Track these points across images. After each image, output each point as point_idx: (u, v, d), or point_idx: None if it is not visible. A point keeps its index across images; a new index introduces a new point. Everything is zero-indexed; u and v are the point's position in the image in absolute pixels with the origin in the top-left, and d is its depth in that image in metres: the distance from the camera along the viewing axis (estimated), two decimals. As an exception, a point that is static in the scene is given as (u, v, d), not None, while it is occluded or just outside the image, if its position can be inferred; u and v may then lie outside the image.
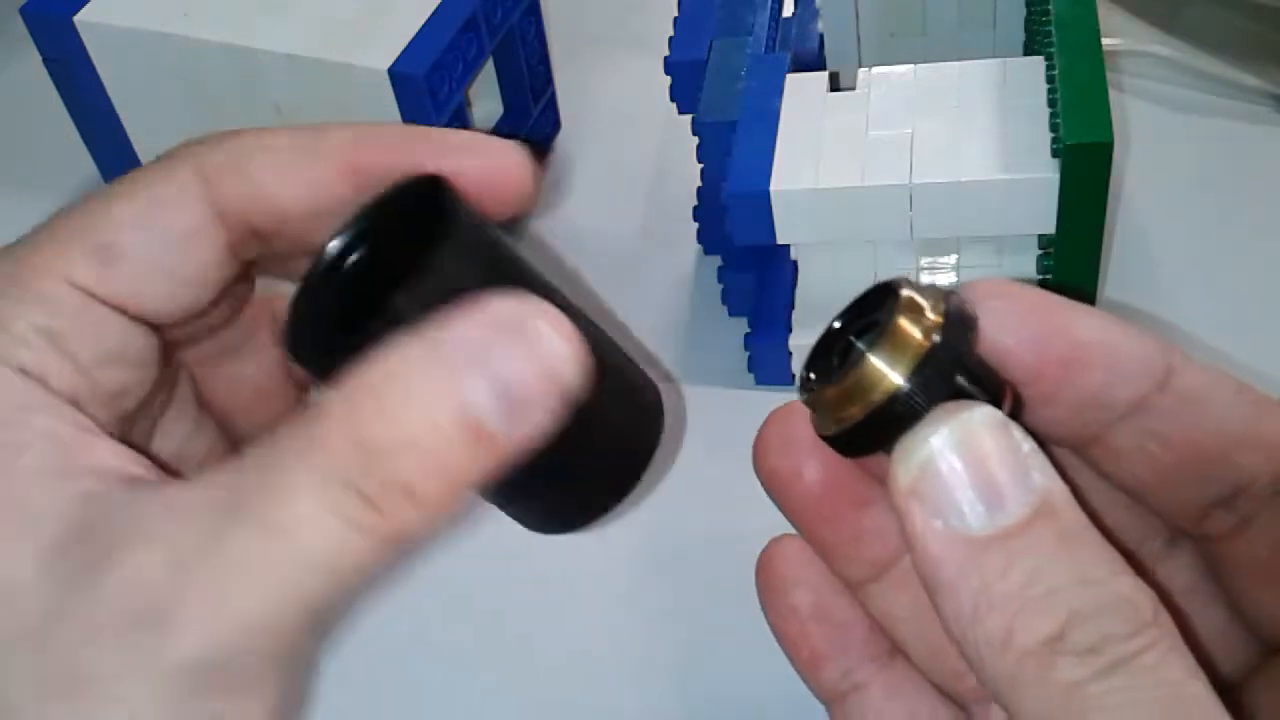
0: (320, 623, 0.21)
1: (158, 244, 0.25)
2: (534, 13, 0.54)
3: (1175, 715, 0.19)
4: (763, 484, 0.26)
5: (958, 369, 0.22)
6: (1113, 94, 0.40)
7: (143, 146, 0.57)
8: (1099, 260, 0.42)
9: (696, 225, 0.53)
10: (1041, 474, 0.21)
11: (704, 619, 0.42)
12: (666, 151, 0.58)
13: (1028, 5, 0.49)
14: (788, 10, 0.51)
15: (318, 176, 0.26)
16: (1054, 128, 0.41)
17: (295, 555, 0.20)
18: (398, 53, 0.48)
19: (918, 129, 0.43)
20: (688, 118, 0.47)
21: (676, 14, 0.50)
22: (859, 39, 0.52)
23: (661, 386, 0.29)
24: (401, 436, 0.21)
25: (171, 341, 0.27)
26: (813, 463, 0.25)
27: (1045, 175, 0.40)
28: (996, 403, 0.22)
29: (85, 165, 0.59)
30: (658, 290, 0.52)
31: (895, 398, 0.22)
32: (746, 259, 0.48)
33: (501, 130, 0.56)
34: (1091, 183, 0.39)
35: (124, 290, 0.25)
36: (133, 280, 0.25)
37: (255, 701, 0.21)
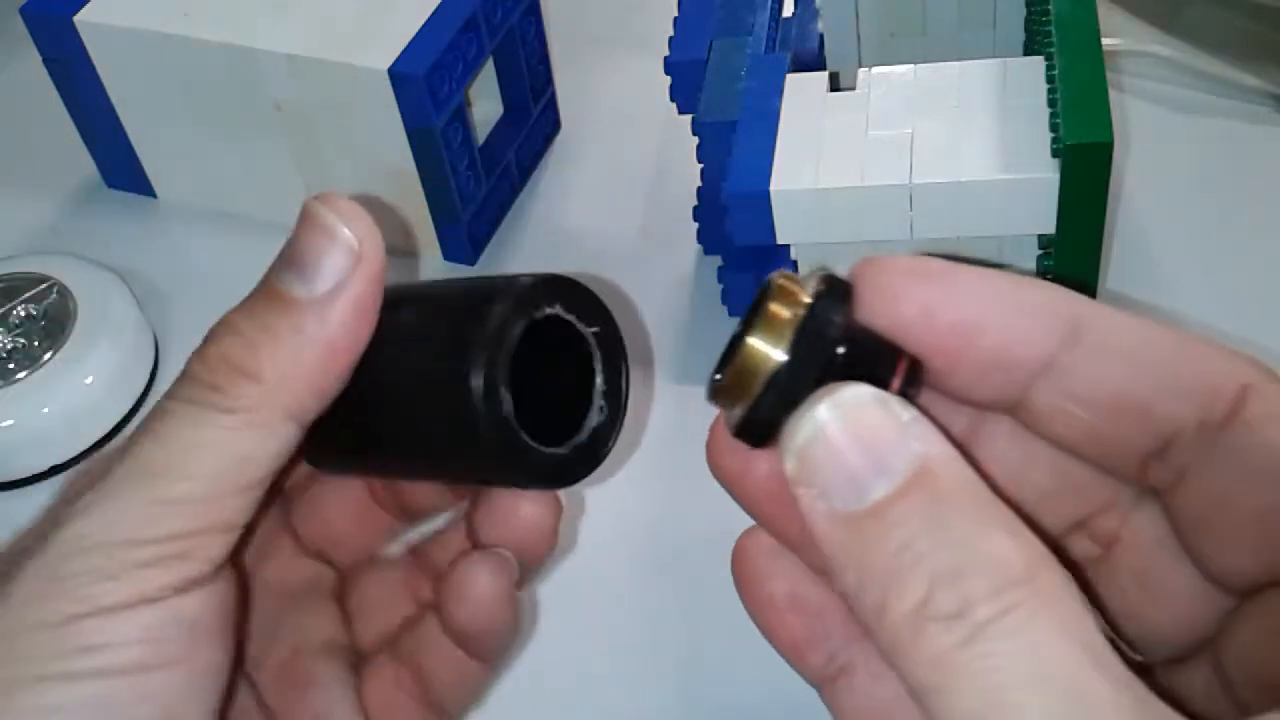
0: (254, 489, 0.26)
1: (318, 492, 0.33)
2: (534, 13, 0.54)
3: (1038, 681, 0.19)
4: (719, 483, 0.26)
5: (837, 342, 0.23)
6: (1113, 94, 0.40)
7: (143, 146, 0.57)
8: (1099, 260, 0.42)
9: (696, 225, 0.53)
10: (921, 441, 0.21)
11: (704, 619, 0.42)
12: (666, 151, 0.58)
13: (1028, 5, 0.49)
14: (788, 10, 0.51)
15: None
16: (1054, 128, 0.41)
17: (173, 450, 0.25)
18: (398, 53, 0.48)
19: (918, 129, 0.43)
20: (688, 118, 0.47)
21: (676, 14, 0.50)
22: (859, 39, 0.52)
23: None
24: (220, 329, 0.26)
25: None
26: (759, 458, 0.25)
27: (1045, 175, 0.40)
28: (889, 375, 0.23)
29: (85, 165, 0.59)
30: (658, 290, 0.52)
31: (776, 377, 0.22)
32: (746, 259, 0.48)
33: (501, 130, 0.56)
34: (1091, 183, 0.39)
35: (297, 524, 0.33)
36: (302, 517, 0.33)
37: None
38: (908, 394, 0.23)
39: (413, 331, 0.27)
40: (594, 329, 0.28)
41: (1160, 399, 0.22)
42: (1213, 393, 0.22)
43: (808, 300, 0.23)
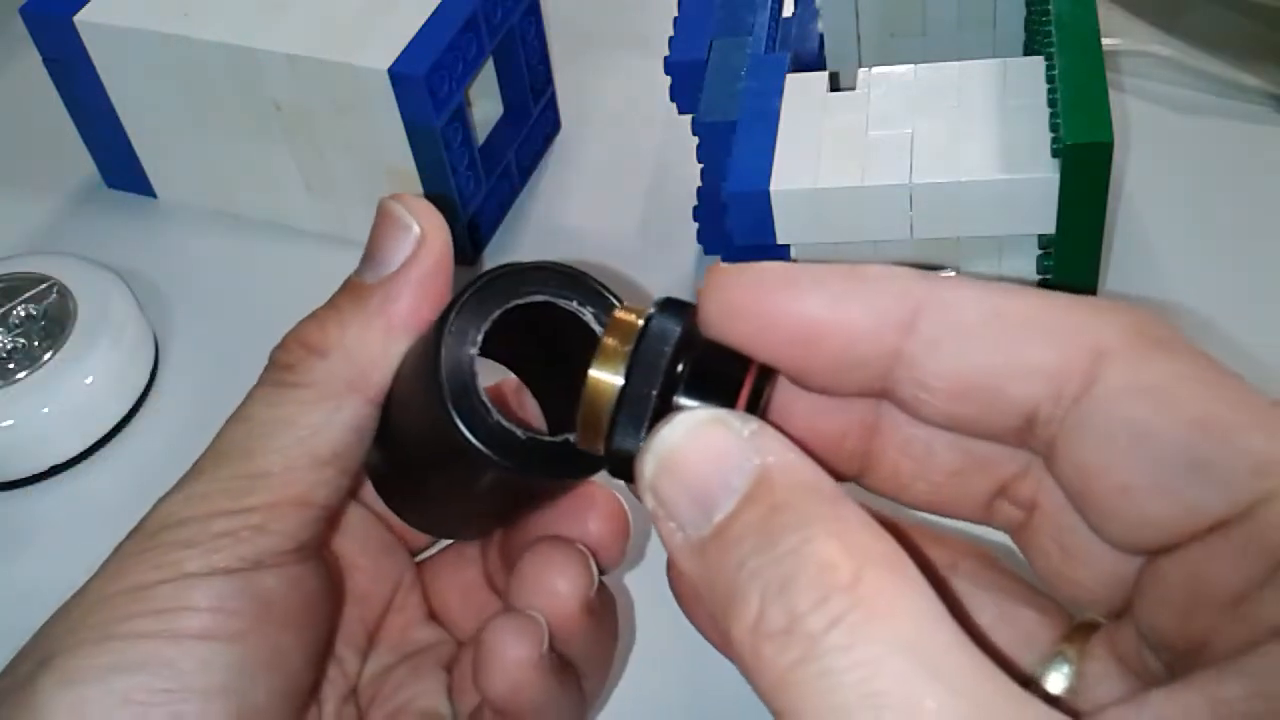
0: (328, 464, 0.27)
1: None
2: (534, 13, 0.54)
3: (872, 701, 0.18)
4: None
5: (674, 359, 0.23)
6: (1113, 94, 0.40)
7: (143, 146, 0.57)
8: (1099, 260, 0.42)
9: (696, 225, 0.53)
10: (761, 453, 0.21)
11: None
12: (666, 151, 0.58)
13: (1028, 5, 0.49)
14: (788, 10, 0.51)
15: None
16: (1054, 128, 0.41)
17: (252, 428, 0.27)
18: (398, 53, 0.48)
19: (918, 129, 0.43)
20: (688, 118, 0.47)
21: (676, 14, 0.50)
22: (859, 39, 0.52)
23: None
24: (305, 319, 0.28)
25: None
26: None
27: (1045, 175, 0.40)
28: (737, 386, 0.23)
29: (85, 165, 0.59)
30: (658, 290, 0.52)
31: (619, 402, 0.23)
32: (746, 259, 0.47)
33: (501, 130, 0.56)
34: (1091, 183, 0.39)
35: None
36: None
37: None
38: (759, 401, 0.23)
39: (410, 362, 0.28)
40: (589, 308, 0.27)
41: (1011, 378, 0.22)
42: (1064, 366, 0.21)
43: (641, 324, 0.23)
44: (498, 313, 0.26)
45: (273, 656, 0.26)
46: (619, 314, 0.24)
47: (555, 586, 0.29)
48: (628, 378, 0.23)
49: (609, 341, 0.23)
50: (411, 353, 0.28)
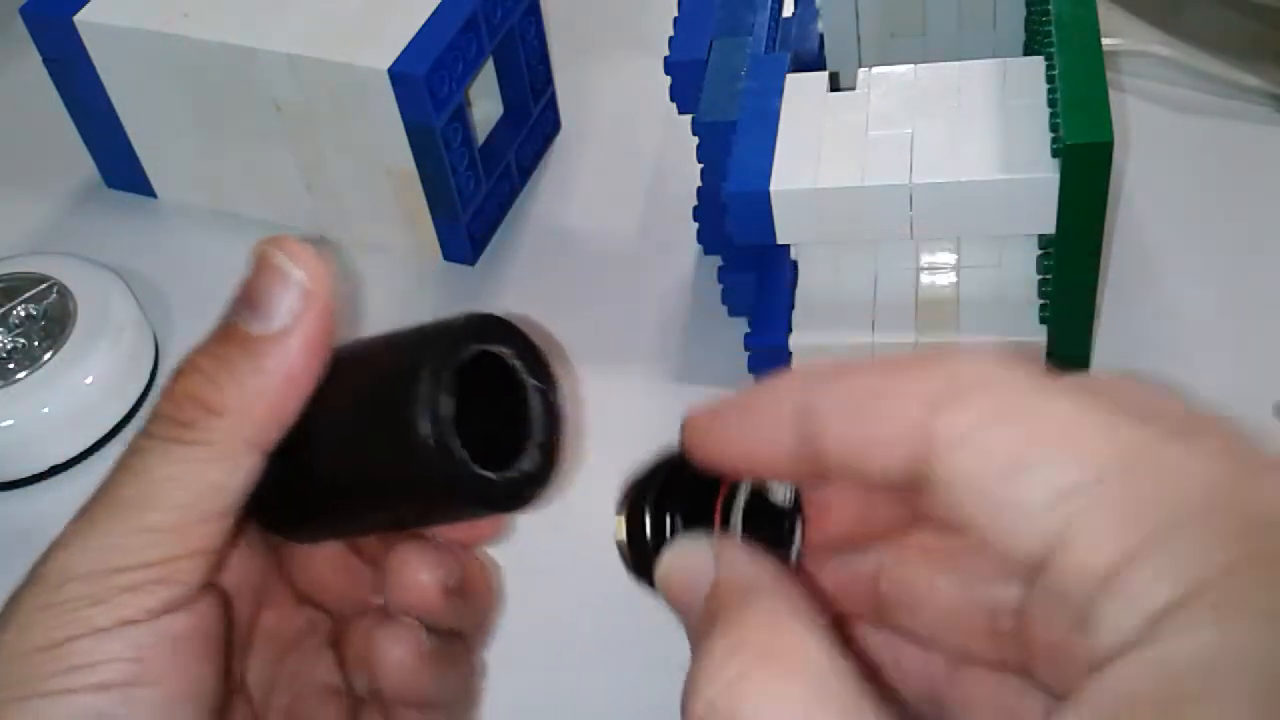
0: (225, 515, 0.28)
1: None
2: (534, 13, 0.54)
3: None
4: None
5: (656, 500, 0.27)
6: (1113, 94, 0.40)
7: (143, 146, 0.57)
8: (1099, 260, 0.42)
9: (696, 225, 0.53)
10: (716, 564, 0.25)
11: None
12: (666, 151, 0.58)
13: (1028, 5, 0.49)
14: (788, 10, 0.51)
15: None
16: (1054, 128, 0.41)
17: (147, 483, 0.27)
18: (398, 53, 0.48)
19: (918, 129, 0.43)
20: (688, 118, 0.47)
21: (676, 14, 0.50)
22: (859, 39, 0.52)
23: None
24: (184, 367, 0.28)
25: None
26: None
27: (1045, 175, 0.40)
28: (712, 502, 0.27)
29: (85, 165, 0.59)
30: (658, 290, 0.52)
31: (621, 544, 0.28)
32: (746, 259, 0.48)
33: (501, 130, 0.56)
34: (1091, 183, 0.39)
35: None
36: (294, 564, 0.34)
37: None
38: (730, 511, 0.27)
39: (351, 375, 0.29)
40: (535, 379, 0.29)
41: (876, 455, 0.23)
42: (904, 433, 0.22)
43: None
44: (467, 357, 0.27)
45: (192, 686, 0.27)
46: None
47: (419, 579, 0.31)
48: (625, 523, 0.28)
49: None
50: (357, 376, 0.28)
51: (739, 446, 0.26)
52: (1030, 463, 0.20)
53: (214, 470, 0.27)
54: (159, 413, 0.28)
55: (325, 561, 0.34)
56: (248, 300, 0.28)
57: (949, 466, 0.21)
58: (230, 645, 0.30)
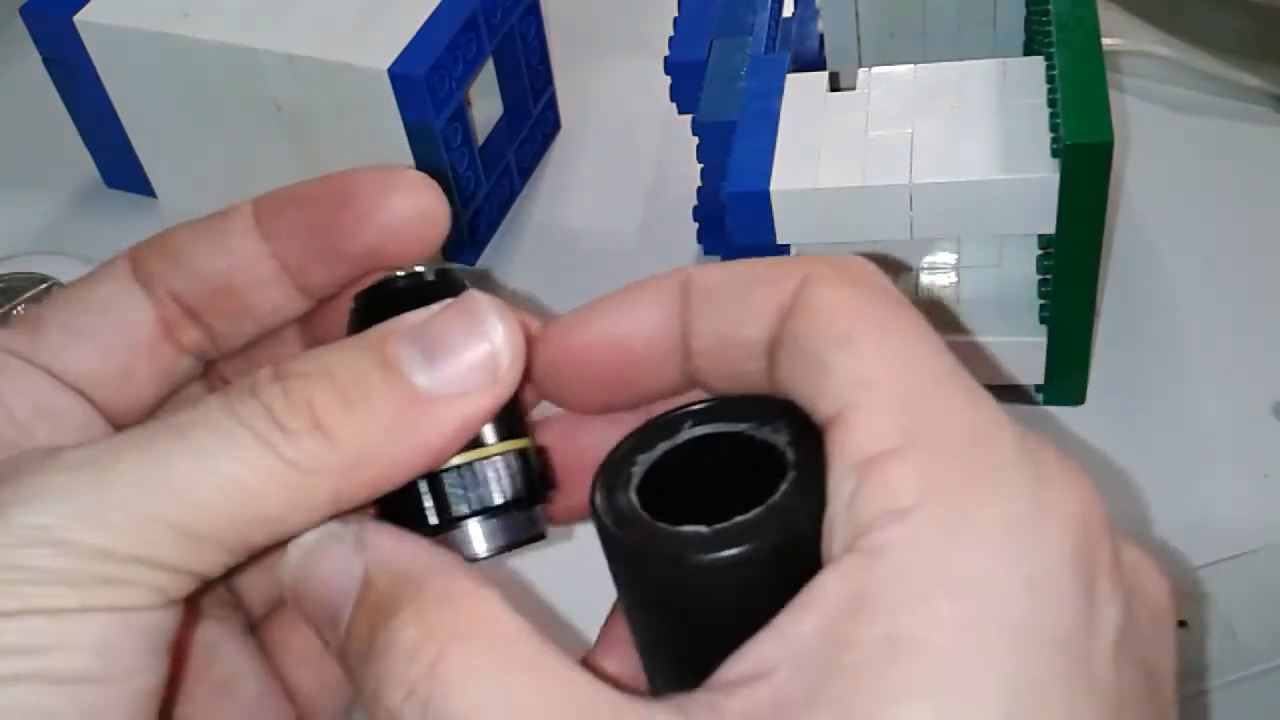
0: (234, 553, 0.22)
1: (78, 312, 0.26)
2: (534, 13, 0.54)
3: None
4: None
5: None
6: (1113, 94, 0.40)
7: (143, 146, 0.57)
8: (1099, 260, 0.42)
9: (696, 225, 0.53)
10: (366, 553, 0.22)
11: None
12: (666, 151, 0.58)
13: (1028, 5, 0.49)
14: (788, 10, 0.51)
15: (235, 244, 0.26)
16: (1054, 128, 0.41)
17: (204, 469, 0.21)
18: (398, 53, 0.48)
19: (918, 129, 0.43)
20: (688, 118, 0.47)
21: (676, 14, 0.50)
22: (859, 39, 0.52)
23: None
24: (315, 368, 0.22)
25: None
26: None
27: (1045, 175, 0.40)
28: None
29: (85, 165, 0.59)
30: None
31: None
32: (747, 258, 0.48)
33: (501, 130, 0.56)
34: (1091, 183, 0.39)
35: (46, 352, 0.25)
36: (55, 345, 0.26)
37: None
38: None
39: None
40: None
41: (744, 324, 0.23)
42: (782, 301, 0.23)
43: None
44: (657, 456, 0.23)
45: (149, 696, 0.22)
46: None
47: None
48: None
49: None
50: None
51: (612, 320, 0.24)
52: (859, 344, 0.21)
53: (280, 501, 0.22)
54: (262, 394, 0.22)
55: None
56: (426, 338, 0.23)
57: (794, 330, 0.22)
58: (186, 643, 0.26)
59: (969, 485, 0.20)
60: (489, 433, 0.24)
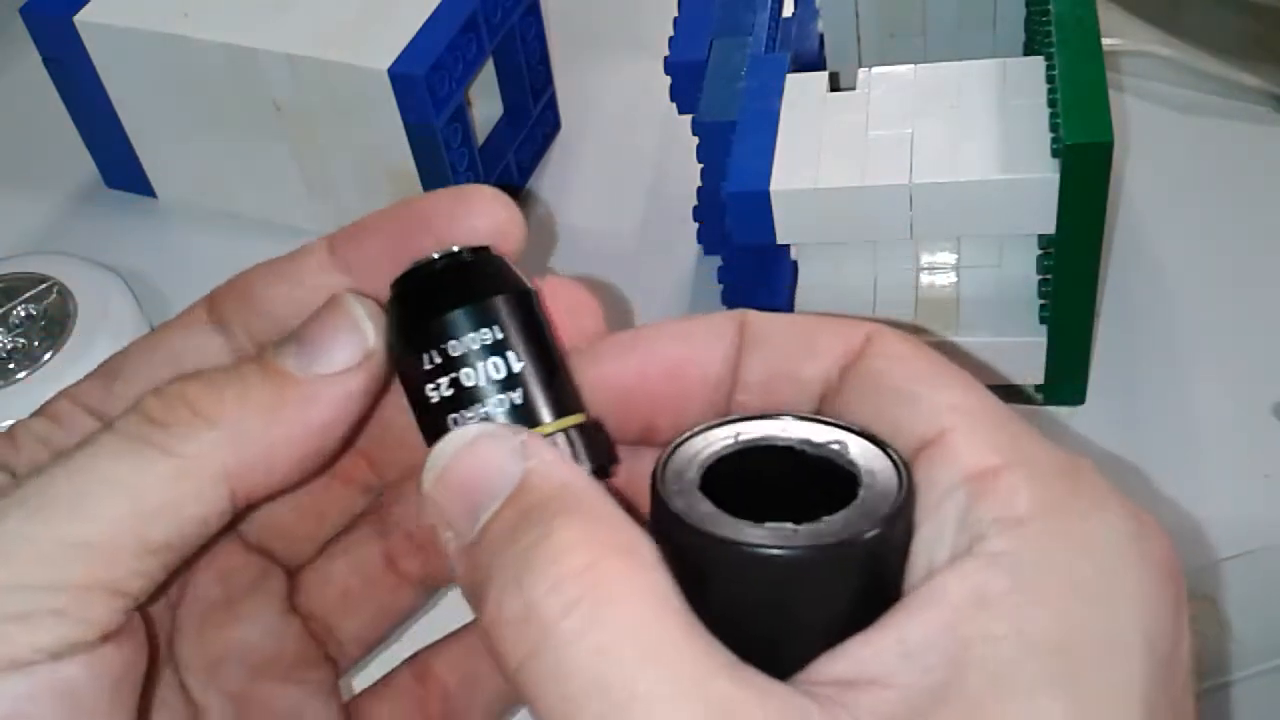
0: (155, 553, 0.22)
1: (156, 364, 0.26)
2: (534, 13, 0.54)
3: (599, 691, 0.19)
4: None
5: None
6: (1113, 94, 0.40)
7: (143, 146, 0.57)
8: (1099, 260, 0.42)
9: (696, 225, 0.53)
10: (528, 459, 0.22)
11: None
12: (666, 151, 0.58)
13: (1028, 5, 0.49)
14: (788, 10, 0.51)
15: (310, 280, 0.26)
16: (1054, 128, 0.41)
17: (85, 479, 0.21)
18: (398, 53, 0.48)
19: (918, 129, 0.43)
20: (688, 118, 0.47)
21: (676, 14, 0.50)
22: (859, 39, 0.52)
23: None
24: (192, 377, 0.23)
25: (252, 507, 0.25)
26: None
27: (1045, 175, 0.40)
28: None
29: (85, 165, 0.59)
30: (658, 290, 0.52)
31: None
32: (746, 259, 0.48)
33: (501, 130, 0.56)
34: (1091, 183, 0.39)
35: (118, 404, 0.25)
36: (128, 397, 0.25)
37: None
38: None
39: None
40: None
41: (804, 362, 0.24)
42: (846, 348, 0.24)
43: None
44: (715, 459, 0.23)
45: None
46: None
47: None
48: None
49: None
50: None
51: (673, 346, 0.25)
52: (944, 381, 0.23)
53: (173, 487, 0.22)
54: (138, 405, 0.23)
55: (286, 500, 0.28)
56: (302, 337, 0.24)
57: (870, 368, 0.23)
58: (147, 699, 0.25)
59: (1078, 503, 0.21)
60: (544, 411, 0.24)
